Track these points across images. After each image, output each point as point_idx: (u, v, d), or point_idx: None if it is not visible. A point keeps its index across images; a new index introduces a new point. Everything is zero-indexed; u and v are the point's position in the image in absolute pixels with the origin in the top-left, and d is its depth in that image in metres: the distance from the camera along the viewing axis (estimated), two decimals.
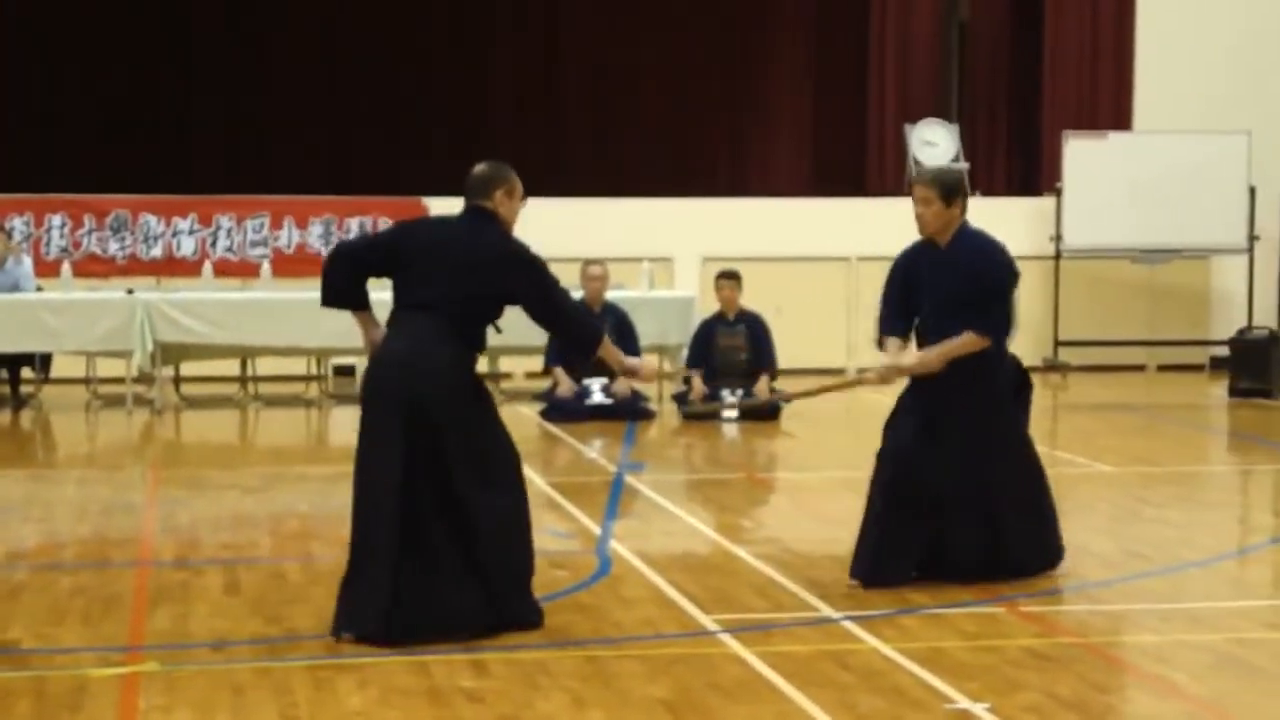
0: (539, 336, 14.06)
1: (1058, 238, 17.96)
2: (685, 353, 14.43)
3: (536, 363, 14.63)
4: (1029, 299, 18.27)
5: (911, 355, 7.74)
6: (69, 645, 6.60)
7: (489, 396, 6.99)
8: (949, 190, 7.65)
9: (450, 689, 5.97)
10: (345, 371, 16.46)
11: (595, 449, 12.34)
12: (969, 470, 7.52)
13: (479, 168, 6.98)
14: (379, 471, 6.53)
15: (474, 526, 6.54)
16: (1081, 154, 17.94)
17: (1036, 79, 19.60)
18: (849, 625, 6.91)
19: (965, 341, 7.53)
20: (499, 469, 6.73)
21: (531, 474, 10.98)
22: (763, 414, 13.69)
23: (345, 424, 14.38)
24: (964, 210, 7.75)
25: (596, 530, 9.03)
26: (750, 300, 14.42)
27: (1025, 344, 18.22)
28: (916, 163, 18.93)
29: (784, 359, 14.32)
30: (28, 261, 15.15)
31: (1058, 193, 18.02)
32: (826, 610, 7.17)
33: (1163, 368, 18.33)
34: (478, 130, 19.38)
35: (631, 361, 7.27)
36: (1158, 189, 17.85)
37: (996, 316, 7.62)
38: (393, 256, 6.83)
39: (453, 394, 6.66)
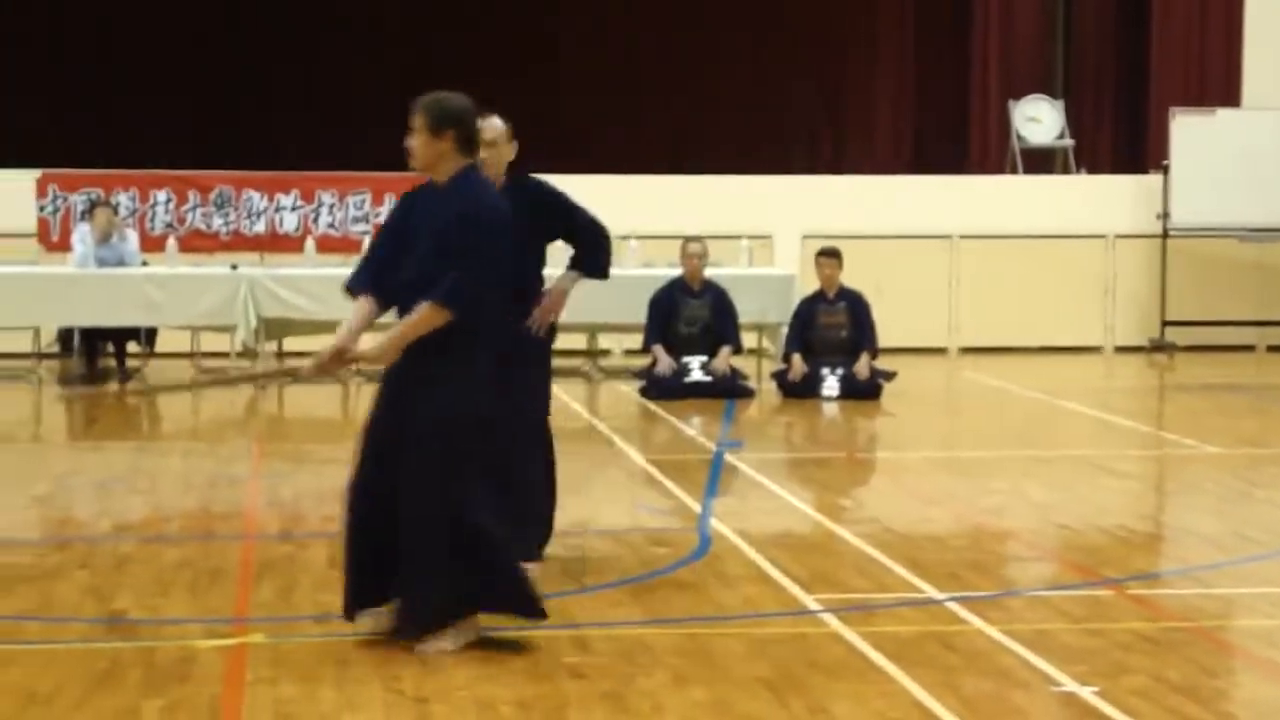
0: (638, 314, 14.18)
1: (1165, 215, 17.71)
2: (785, 331, 14.36)
3: (635, 340, 14.61)
4: (1135, 278, 18.04)
5: (368, 340, 6.26)
6: (176, 616, 6.67)
7: None
8: (437, 119, 6.21)
9: (553, 665, 5.97)
10: None
11: (694, 426, 12.31)
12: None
13: None
14: None
15: None
16: (1189, 130, 17.67)
17: (1143, 54, 19.33)
18: (953, 606, 6.85)
19: (422, 316, 6.06)
20: None
21: (630, 451, 11.05)
22: (864, 392, 13.62)
23: None
24: (462, 146, 6.26)
25: (696, 508, 9.00)
26: (850, 278, 14.32)
27: (1131, 324, 18.03)
28: (1020, 139, 18.75)
29: (884, 338, 14.22)
30: (133, 237, 15.31)
31: (1164, 170, 17.77)
32: (930, 591, 7.11)
33: (1272, 348, 18.03)
34: (577, 105, 19.40)
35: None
36: (1267, 166, 17.55)
37: (460, 283, 6.06)
38: None
39: None
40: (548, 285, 7.68)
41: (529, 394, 7.53)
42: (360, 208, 17.19)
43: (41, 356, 15.21)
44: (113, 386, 14.56)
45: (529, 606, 6.19)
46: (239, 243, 16.93)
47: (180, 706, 5.49)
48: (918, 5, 20.44)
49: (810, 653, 6.15)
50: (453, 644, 6.11)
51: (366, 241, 15.94)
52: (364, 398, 14.36)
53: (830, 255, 14.22)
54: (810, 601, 6.93)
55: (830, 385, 13.71)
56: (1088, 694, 5.65)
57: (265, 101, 19.38)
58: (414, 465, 6.05)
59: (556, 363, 15.92)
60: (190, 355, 15.30)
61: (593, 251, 7.69)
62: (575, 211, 7.70)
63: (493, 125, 7.55)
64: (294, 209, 17.10)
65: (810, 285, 14.53)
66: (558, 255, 7.70)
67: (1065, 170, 18.78)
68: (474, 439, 6.12)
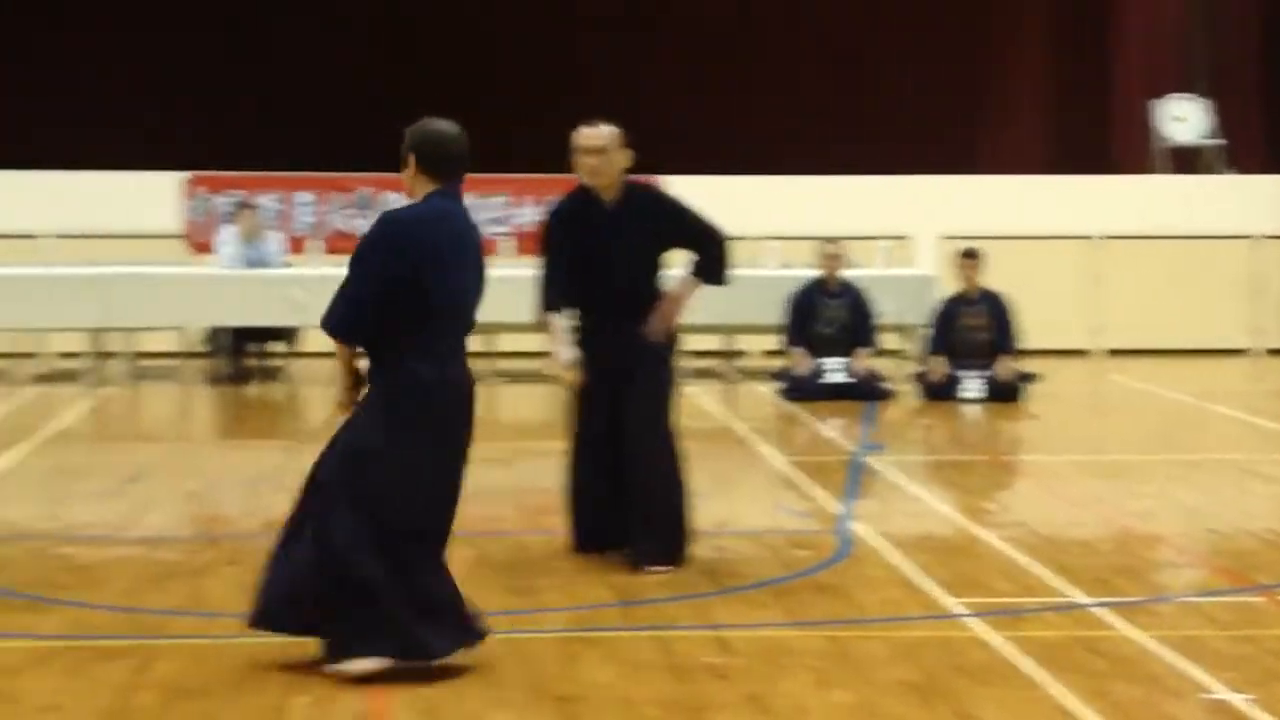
0: (776, 314, 14.15)
1: None
2: (926, 333, 14.25)
3: (774, 341, 14.57)
4: None
5: None
6: None
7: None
8: (406, 144, 6.17)
9: (694, 666, 5.97)
10: None
11: (833, 428, 12.26)
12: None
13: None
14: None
15: None
16: None
17: None
18: (1100, 611, 6.75)
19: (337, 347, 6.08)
20: None
21: (769, 452, 11.02)
22: (1006, 394, 13.49)
23: None
24: (426, 171, 6.11)
25: (835, 510, 8.96)
26: (991, 279, 14.17)
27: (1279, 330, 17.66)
28: (1164, 138, 18.45)
29: (1024, 339, 14.06)
30: (274, 238, 15.54)
31: None
32: (1076, 595, 7.02)
33: None
34: (717, 105, 19.38)
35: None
36: None
37: (330, 303, 6.04)
38: None
39: None
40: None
41: (646, 399, 7.50)
42: (499, 209, 17.32)
43: (189, 356, 15.49)
44: (257, 386, 14.80)
45: (410, 651, 5.76)
46: None
47: (327, 703, 5.55)
48: (1058, 2, 20.19)
49: (954, 657, 6.10)
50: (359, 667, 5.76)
51: (503, 244, 16.10)
52: (505, 398, 14.48)
53: (971, 256, 14.10)
54: (954, 605, 6.87)
55: (971, 387, 13.59)
56: (1240, 701, 5.54)
57: (406, 103, 19.55)
58: (317, 493, 5.88)
59: (694, 364, 15.94)
60: (332, 355, 15.45)
61: (709, 257, 7.59)
62: (691, 218, 7.64)
63: (599, 132, 7.51)
64: None
65: (950, 286, 14.41)
66: None
67: (1209, 170, 18.46)
68: (363, 473, 5.78)
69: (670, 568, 7.40)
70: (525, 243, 16.74)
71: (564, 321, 7.59)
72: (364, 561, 5.72)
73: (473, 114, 20.51)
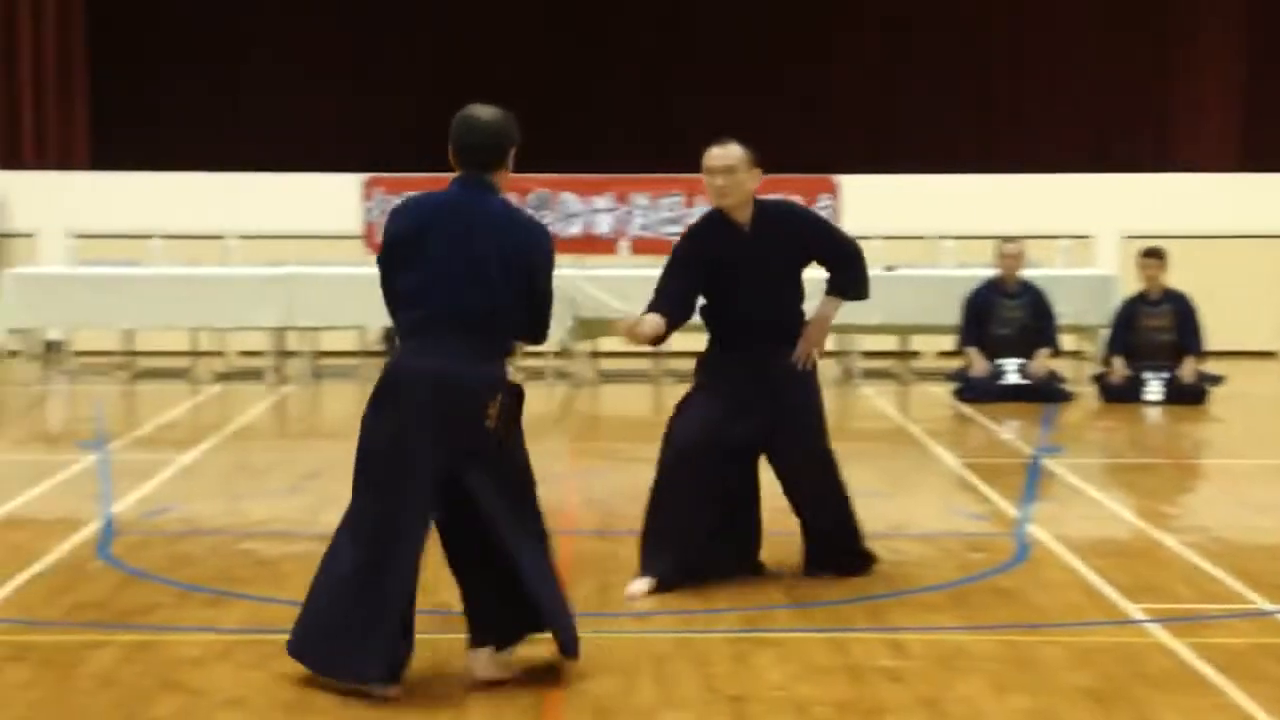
0: (951, 315, 14.00)
1: None
2: (1106, 333, 14.02)
3: (949, 341, 14.41)
4: None
5: None
6: None
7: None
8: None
9: (869, 668, 5.92)
10: None
11: (1010, 430, 12.09)
12: None
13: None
14: None
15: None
16: None
17: None
18: None
19: None
20: None
21: (944, 454, 10.90)
22: (1189, 396, 13.23)
23: None
24: (453, 159, 6.24)
25: (1012, 513, 8.84)
26: (1175, 279, 13.90)
27: None
28: None
29: (1209, 340, 13.76)
30: None
31: None
32: (1262, 602, 6.85)
33: None
34: (893, 104, 19.25)
35: None
36: None
37: None
38: None
39: None
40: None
41: (802, 419, 7.30)
42: (673, 209, 17.34)
43: (368, 355, 15.71)
44: None
45: (363, 674, 5.62)
46: (557, 245, 17.21)
47: (504, 699, 5.59)
48: None
49: (1136, 663, 5.98)
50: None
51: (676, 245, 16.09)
52: (674, 398, 14.43)
53: (1154, 255, 13.84)
54: (1134, 610, 6.74)
55: (1153, 389, 13.34)
56: None
57: (582, 104, 19.68)
58: None
59: (868, 364, 15.80)
60: None
61: (847, 271, 7.34)
62: (826, 230, 7.46)
63: (728, 152, 7.28)
64: (609, 211, 17.34)
65: (1132, 286, 14.16)
66: None
67: None
68: (357, 472, 5.95)
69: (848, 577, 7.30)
70: None
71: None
72: (340, 561, 5.78)
73: (648, 114, 20.56)
